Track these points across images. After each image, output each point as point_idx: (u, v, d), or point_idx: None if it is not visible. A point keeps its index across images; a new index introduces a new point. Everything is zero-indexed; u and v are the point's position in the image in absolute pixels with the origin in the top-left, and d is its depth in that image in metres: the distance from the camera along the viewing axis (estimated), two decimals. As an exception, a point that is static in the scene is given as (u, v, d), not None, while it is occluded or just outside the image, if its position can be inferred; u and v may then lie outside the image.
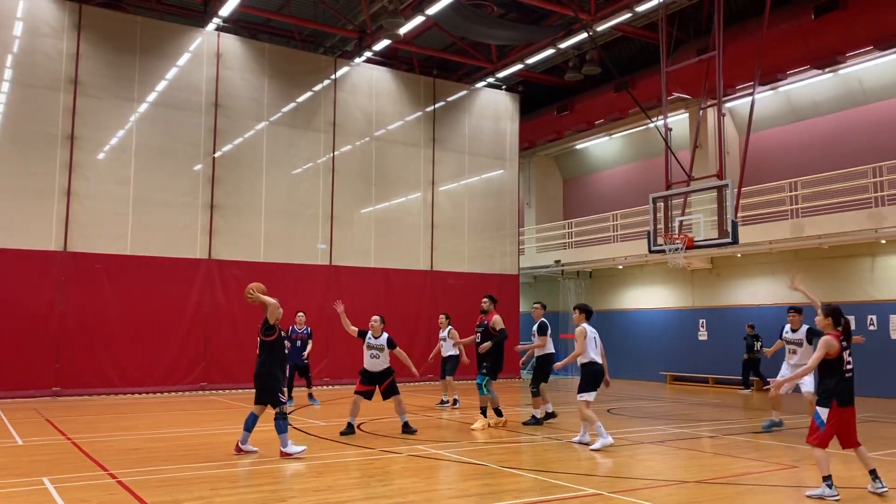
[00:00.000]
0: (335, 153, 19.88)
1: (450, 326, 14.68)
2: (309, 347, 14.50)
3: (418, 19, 18.26)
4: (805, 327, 10.82)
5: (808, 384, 10.54)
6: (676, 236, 13.07)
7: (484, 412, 11.29)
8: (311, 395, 15.08)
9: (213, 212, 18.03)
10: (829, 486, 6.61)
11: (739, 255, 19.64)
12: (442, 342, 14.62)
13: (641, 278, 23.18)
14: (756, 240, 17.89)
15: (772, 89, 19.87)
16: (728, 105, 19.95)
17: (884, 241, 16.68)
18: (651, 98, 18.75)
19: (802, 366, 10.42)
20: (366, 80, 20.76)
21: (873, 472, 6.82)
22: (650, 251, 13.50)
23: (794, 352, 10.87)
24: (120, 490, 6.71)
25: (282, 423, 8.44)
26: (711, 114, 18.16)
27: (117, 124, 17.29)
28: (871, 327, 16.76)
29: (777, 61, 17.48)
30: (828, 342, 6.71)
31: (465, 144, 22.37)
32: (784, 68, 18.13)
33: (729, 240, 12.19)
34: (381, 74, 21.12)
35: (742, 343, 19.04)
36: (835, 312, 6.89)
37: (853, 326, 18.30)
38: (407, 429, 10.53)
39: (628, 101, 20.49)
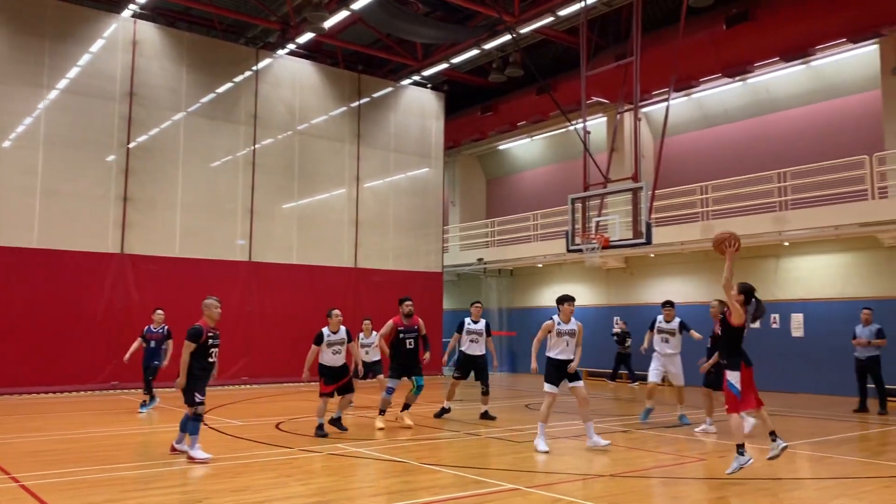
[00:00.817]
0: (256, 146, 19.50)
1: (374, 332, 13.93)
2: (168, 350, 12.60)
3: (343, 13, 18.13)
4: (678, 319, 11.90)
5: (679, 378, 11.71)
6: (593, 236, 13.41)
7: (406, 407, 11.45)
8: (144, 403, 12.83)
9: (127, 204, 17.40)
10: (742, 454, 7.28)
11: (652, 255, 20.34)
12: (367, 348, 13.59)
13: (560, 276, 23.68)
14: (668, 240, 18.55)
15: (685, 96, 20.63)
16: (644, 110, 20.59)
17: (787, 244, 17.59)
18: (571, 101, 19.16)
19: (675, 354, 11.71)
20: (289, 72, 20.45)
21: (773, 434, 7.55)
22: (568, 250, 13.81)
23: (667, 340, 11.81)
24: (23, 494, 6.44)
25: (193, 424, 8.15)
26: (628, 118, 18.73)
27: (25, 111, 16.47)
28: (775, 325, 17.65)
29: (691, 69, 18.17)
30: (739, 313, 7.64)
31: (391, 141, 22.32)
32: (697, 76, 18.85)
33: (643, 240, 12.59)
34: (305, 68, 20.84)
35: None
36: (747, 291, 7.93)
37: (757, 324, 19.14)
38: (338, 424, 10.49)
39: (550, 104, 20.90)
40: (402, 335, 11.32)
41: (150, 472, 7.68)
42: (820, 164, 16.89)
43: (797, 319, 17.45)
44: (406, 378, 11.25)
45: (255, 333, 18.92)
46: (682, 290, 20.11)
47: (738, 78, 19.06)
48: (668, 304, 12.19)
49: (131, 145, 17.56)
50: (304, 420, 11.89)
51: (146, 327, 12.83)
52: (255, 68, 19.63)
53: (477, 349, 12.39)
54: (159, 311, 12.92)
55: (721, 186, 18.79)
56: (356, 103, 21.54)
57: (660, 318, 12.03)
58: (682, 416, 11.77)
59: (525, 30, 19.11)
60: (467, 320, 12.62)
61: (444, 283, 23.63)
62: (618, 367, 20.19)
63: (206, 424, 11.29)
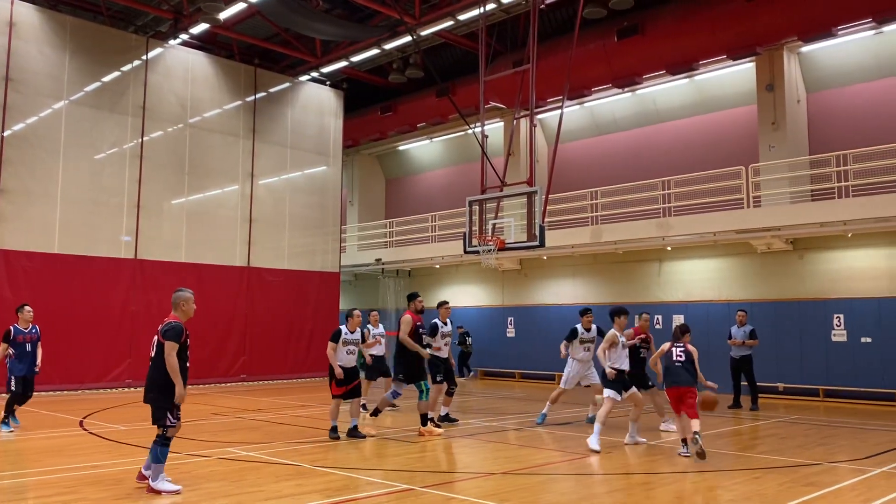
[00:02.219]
0: (144, 139, 18.67)
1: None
2: (39, 354, 10.96)
3: (240, 5, 17.67)
4: (595, 326, 11.79)
5: (594, 377, 11.49)
6: (489, 238, 13.61)
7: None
8: (14, 415, 10.84)
9: (0, 196, 16.30)
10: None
11: (545, 258, 20.92)
12: (381, 339, 13.59)
13: (457, 277, 23.97)
14: (560, 243, 19.11)
15: (578, 104, 21.34)
16: (539, 116, 21.11)
17: (669, 248, 18.51)
18: (470, 105, 19.43)
19: (591, 360, 11.59)
20: (181, 63, 19.70)
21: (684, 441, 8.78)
22: (465, 252, 13.97)
23: (589, 349, 11.64)
24: None
25: (161, 449, 6.77)
26: (524, 124, 19.16)
27: None
28: (658, 326, 18.49)
29: (584, 78, 18.81)
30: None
31: (287, 138, 21.89)
32: (590, 85, 19.53)
33: (536, 243, 12.88)
34: (199, 59, 20.13)
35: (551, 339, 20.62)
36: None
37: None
38: (356, 433, 10.05)
39: (449, 107, 21.11)
40: (420, 331, 10.95)
41: (29, 480, 7.23)
42: (701, 174, 17.87)
43: (678, 320, 18.33)
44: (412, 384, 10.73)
45: (139, 334, 18.07)
46: (572, 291, 20.79)
47: (627, 89, 19.88)
48: (587, 311, 11.97)
49: (6, 133, 16.44)
50: (193, 423, 11.51)
51: (11, 327, 10.80)
52: (144, 58, 18.80)
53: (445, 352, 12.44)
54: (28, 308, 10.98)
55: (610, 192, 19.53)
56: (252, 98, 21.01)
57: (579, 327, 11.74)
58: (593, 416, 11.63)
59: (426, 32, 19.23)
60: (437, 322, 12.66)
61: (341, 283, 23.41)
62: (461, 365, 21.59)
63: (86, 430, 10.75)
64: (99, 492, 6.77)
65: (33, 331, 10.94)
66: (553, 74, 16.93)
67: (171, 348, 6.85)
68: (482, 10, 16.04)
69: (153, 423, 6.86)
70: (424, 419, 10.53)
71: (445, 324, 11.95)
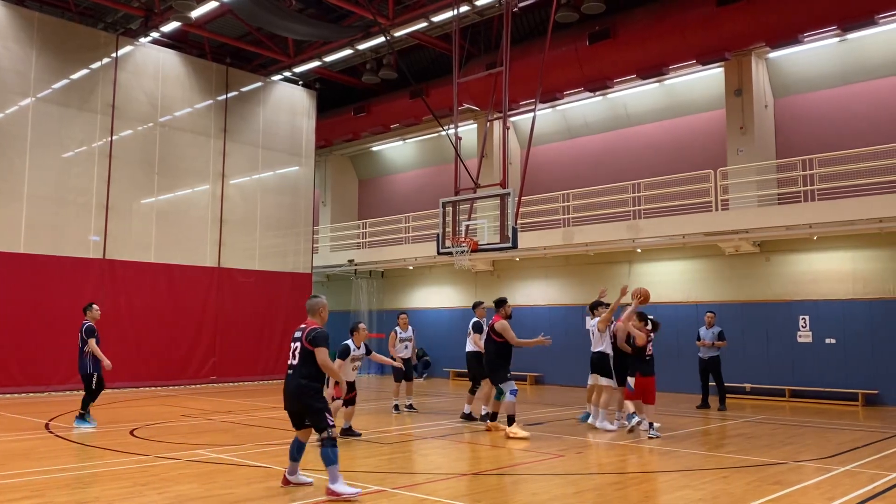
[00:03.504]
0: (113, 137, 18.42)
1: (412, 327, 14.31)
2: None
3: (212, 4, 17.49)
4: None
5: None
6: (463, 240, 13.65)
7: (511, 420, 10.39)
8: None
9: (-36, 195, 15.99)
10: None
11: (518, 259, 21.03)
12: (408, 343, 13.99)
13: (430, 278, 23.98)
14: (532, 245, 19.21)
15: (551, 107, 21.48)
16: (512, 119, 21.24)
17: (639, 250, 18.72)
18: (444, 107, 19.47)
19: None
20: (152, 61, 19.46)
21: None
22: (438, 253, 14.00)
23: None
24: None
25: (332, 450, 6.67)
26: (497, 126, 19.27)
27: None
28: (628, 327, 18.67)
29: (556, 82, 18.94)
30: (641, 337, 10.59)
31: (259, 138, 21.73)
32: (562, 88, 19.67)
33: (509, 244, 12.95)
34: (169, 57, 19.91)
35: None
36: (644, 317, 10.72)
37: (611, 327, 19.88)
38: (350, 432, 10.27)
39: (423, 108, 21.12)
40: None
41: (-13, 485, 7.11)
42: (670, 177, 18.10)
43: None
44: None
45: (107, 334, 17.72)
46: (545, 292, 20.92)
47: (598, 92, 20.05)
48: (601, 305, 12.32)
49: (-30, 131, 16.14)
50: (162, 426, 11.38)
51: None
52: (114, 55, 18.55)
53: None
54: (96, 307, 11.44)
55: (581, 195, 19.70)
56: (223, 97, 20.83)
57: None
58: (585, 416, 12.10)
59: (399, 33, 19.22)
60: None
61: (313, 284, 23.29)
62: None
63: (52, 433, 10.59)
64: (66, 495, 6.68)
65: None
66: (526, 77, 17.03)
67: (324, 353, 6.81)
68: (456, 11, 16.10)
69: (318, 431, 6.76)
70: (511, 420, 10.32)
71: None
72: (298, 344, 6.92)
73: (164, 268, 19.08)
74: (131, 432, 10.67)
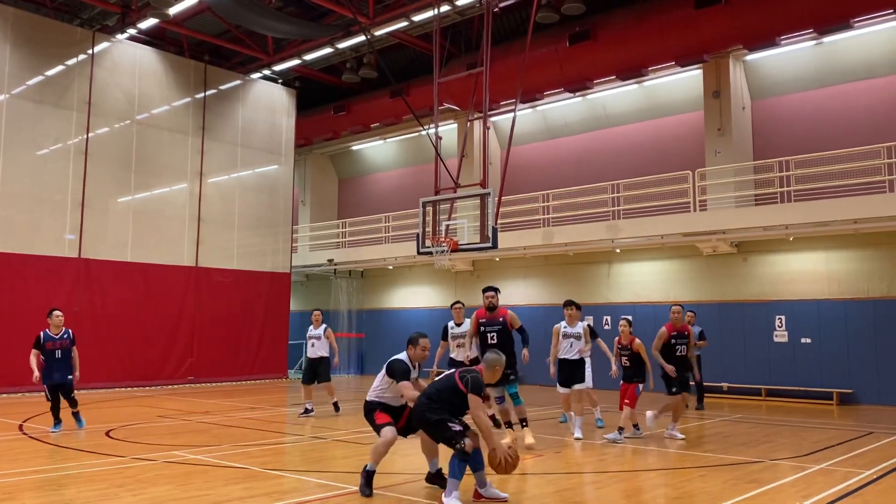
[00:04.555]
0: (90, 135, 18.20)
1: (325, 324, 13.21)
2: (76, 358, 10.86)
3: (190, 1, 17.33)
4: (580, 323, 11.08)
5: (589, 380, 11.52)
6: (443, 239, 13.63)
7: (524, 422, 9.55)
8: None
9: (-65, 192, 15.72)
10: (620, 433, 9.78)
11: (498, 259, 21.06)
12: (315, 341, 12.96)
13: (410, 278, 23.94)
14: (512, 245, 19.25)
15: (531, 108, 21.53)
16: (492, 119, 21.28)
17: (618, 251, 18.82)
18: (424, 106, 19.46)
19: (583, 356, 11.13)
20: (129, 58, 19.25)
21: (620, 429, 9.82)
22: (418, 253, 13.95)
23: (572, 345, 11.04)
24: None
25: (460, 464, 6.32)
26: (478, 126, 19.26)
27: None
28: (607, 327, 18.78)
29: (537, 82, 18.99)
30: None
31: (238, 136, 21.57)
32: (542, 89, 19.74)
33: (489, 244, 12.95)
34: (147, 54, 19.71)
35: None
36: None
37: (591, 323, 20.05)
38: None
39: (403, 107, 21.09)
40: (482, 329, 9.59)
41: (-43, 488, 6.98)
42: (649, 178, 18.21)
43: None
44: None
45: (83, 335, 17.48)
46: (525, 292, 20.97)
47: (578, 93, 20.15)
48: (573, 305, 11.06)
49: (-59, 127, 15.87)
50: (138, 426, 11.26)
51: (41, 333, 10.68)
52: (90, 52, 18.32)
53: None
54: (57, 313, 10.82)
55: (561, 195, 19.77)
56: (201, 95, 20.65)
57: (563, 322, 11.17)
58: (598, 419, 11.80)
59: (380, 32, 19.17)
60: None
61: (291, 283, 23.18)
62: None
63: (26, 434, 10.43)
64: (40, 497, 6.58)
65: (65, 336, 10.71)
66: (506, 77, 17.06)
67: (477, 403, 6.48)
68: (437, 11, 16.07)
69: (448, 446, 6.41)
70: (509, 424, 9.58)
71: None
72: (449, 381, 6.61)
73: (140, 267, 18.88)
74: (107, 433, 10.54)
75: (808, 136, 17.35)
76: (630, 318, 11.21)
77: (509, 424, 9.44)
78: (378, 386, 7.06)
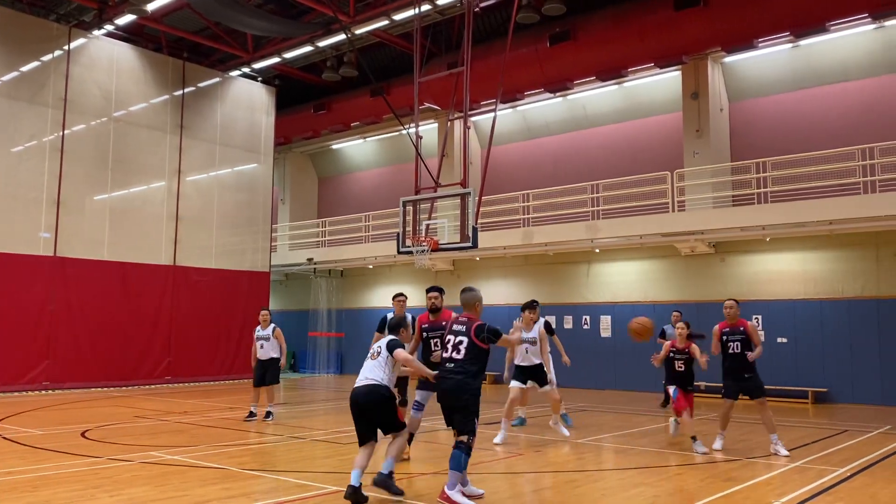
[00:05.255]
0: (65, 132, 17.97)
1: (273, 324, 12.69)
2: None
3: (169, -3, 17.18)
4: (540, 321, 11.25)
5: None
6: (423, 239, 13.63)
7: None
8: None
9: None
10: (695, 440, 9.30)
11: (478, 259, 21.09)
12: (263, 342, 12.40)
13: (390, 278, 23.90)
14: (492, 245, 19.29)
15: (511, 108, 21.59)
16: (473, 119, 21.29)
17: (598, 251, 18.92)
18: (404, 105, 19.43)
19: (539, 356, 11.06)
20: (106, 55, 19.03)
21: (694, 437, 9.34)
22: (399, 252, 13.94)
23: (528, 350, 11.05)
24: None
25: (465, 458, 6.26)
26: (458, 126, 19.29)
27: None
28: (586, 326, 18.90)
29: (517, 82, 19.04)
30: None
31: (217, 134, 21.40)
32: (522, 89, 19.79)
33: (469, 244, 12.97)
34: (125, 51, 19.49)
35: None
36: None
37: (570, 325, 20.08)
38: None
39: (383, 106, 21.03)
40: (425, 335, 8.60)
41: (-71, 490, 6.86)
42: (628, 178, 18.33)
43: (606, 321, 18.79)
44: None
45: (58, 334, 17.43)
46: (504, 292, 21.01)
47: (558, 93, 20.23)
48: (530, 307, 10.95)
49: (-87, 123, 15.58)
50: (115, 427, 11.14)
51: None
52: (66, 48, 18.09)
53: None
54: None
55: (541, 195, 19.84)
56: (180, 92, 20.46)
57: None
58: (564, 415, 11.33)
59: (360, 31, 19.11)
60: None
61: (271, 283, 23.04)
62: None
63: (0, 435, 10.28)
64: (14, 499, 6.49)
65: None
66: (486, 77, 17.07)
67: (506, 341, 6.62)
68: (417, 10, 16.07)
69: (460, 432, 6.30)
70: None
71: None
72: (465, 339, 6.44)
73: (117, 266, 18.67)
74: (83, 434, 10.42)
75: (784, 138, 17.56)
76: (686, 321, 10.73)
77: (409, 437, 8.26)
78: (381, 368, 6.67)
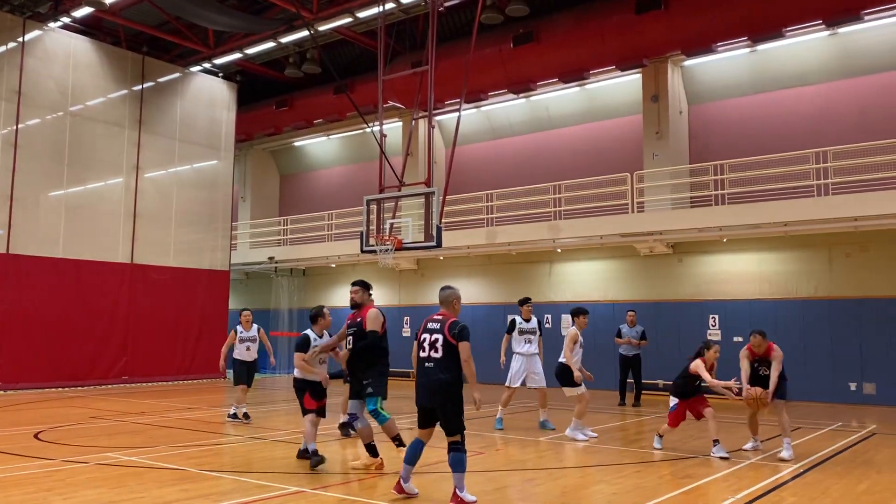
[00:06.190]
0: (19, 126, 17.51)
1: (257, 325, 12.43)
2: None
3: (127, -10, 16.85)
4: (535, 318, 11.74)
5: (541, 380, 11.50)
6: (387, 238, 13.60)
7: (399, 440, 8.12)
8: None
9: None
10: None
11: (442, 258, 21.11)
12: (250, 344, 12.16)
13: (353, 277, 23.41)
14: (456, 244, 19.33)
15: (475, 108, 21.65)
16: (437, 118, 21.29)
17: (559, 250, 19.09)
18: (368, 103, 19.33)
19: (536, 354, 11.42)
20: (62, 48, 18.58)
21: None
22: (362, 251, 13.90)
23: (530, 341, 11.60)
24: None
25: (463, 455, 6.30)
26: (423, 125, 19.29)
27: None
28: (548, 325, 19.02)
29: (481, 83, 19.10)
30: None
31: (176, 130, 21.04)
32: (486, 89, 19.86)
33: (434, 243, 12.98)
34: (82, 44, 19.05)
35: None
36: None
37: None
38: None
39: (347, 104, 20.93)
40: (348, 332, 8.26)
41: None
42: (589, 179, 18.53)
43: (567, 320, 18.92)
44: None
45: (8, 334, 16.98)
46: (468, 291, 20.99)
47: (521, 94, 20.35)
48: (527, 300, 11.83)
49: None
50: (69, 428, 10.90)
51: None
52: (21, 40, 17.62)
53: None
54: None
55: (504, 195, 19.94)
56: (139, 87, 20.08)
57: (518, 318, 11.72)
58: (544, 421, 11.38)
59: (323, 27, 18.98)
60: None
61: (230, 281, 22.75)
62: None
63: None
64: (-38, 504, 6.32)
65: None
66: (451, 77, 17.10)
67: (468, 349, 6.37)
68: (381, 8, 16.01)
69: (451, 433, 6.30)
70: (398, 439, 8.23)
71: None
72: (440, 336, 6.43)
73: (73, 263, 18.26)
74: (35, 435, 10.18)
75: (741, 141, 17.91)
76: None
77: (398, 441, 8.08)
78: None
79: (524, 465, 8.51)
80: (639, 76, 18.82)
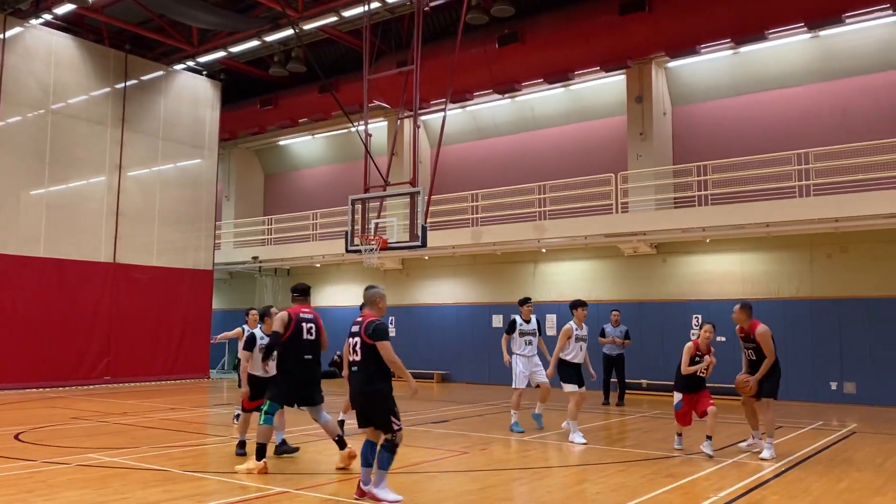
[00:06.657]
0: (0, 124, 17.32)
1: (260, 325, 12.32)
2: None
3: (110, -13, 16.70)
4: (535, 319, 11.51)
5: (542, 375, 11.18)
6: (372, 238, 13.58)
7: (261, 452, 7.72)
8: None
9: None
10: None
11: (427, 258, 21.11)
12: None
13: (338, 277, 23.74)
14: (441, 244, 19.33)
15: (461, 107, 21.66)
16: (423, 118, 21.30)
17: (544, 250, 19.15)
18: (354, 103, 19.28)
19: (535, 354, 11.17)
20: (44, 45, 18.40)
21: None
22: (347, 251, 13.87)
23: (530, 342, 11.34)
24: None
25: (389, 456, 6.35)
26: (408, 125, 19.26)
27: None
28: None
29: (466, 83, 19.11)
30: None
31: (160, 129, 20.89)
32: (472, 90, 19.88)
33: (419, 243, 12.98)
34: (64, 41, 18.87)
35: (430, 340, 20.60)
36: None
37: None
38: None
39: (332, 103, 20.86)
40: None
41: None
42: (574, 179, 18.60)
43: (551, 319, 19.00)
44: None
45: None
46: (453, 291, 21.10)
47: (507, 95, 20.39)
48: (527, 300, 11.53)
49: None
50: (51, 429, 10.80)
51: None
52: (1, 36, 17.43)
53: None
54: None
55: (489, 195, 19.97)
56: (122, 85, 19.93)
57: (518, 318, 11.41)
58: (537, 414, 11.33)
59: (309, 26, 18.91)
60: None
61: (214, 281, 22.63)
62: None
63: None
64: (-59, 506, 6.24)
65: None
66: (436, 77, 17.11)
67: (387, 347, 6.39)
68: (367, 7, 15.98)
69: (383, 432, 6.37)
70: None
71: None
72: (358, 339, 6.47)
73: (54, 262, 18.09)
74: (16, 436, 10.08)
75: (725, 142, 18.04)
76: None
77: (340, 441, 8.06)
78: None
79: (508, 464, 8.54)
80: (623, 77, 18.91)
